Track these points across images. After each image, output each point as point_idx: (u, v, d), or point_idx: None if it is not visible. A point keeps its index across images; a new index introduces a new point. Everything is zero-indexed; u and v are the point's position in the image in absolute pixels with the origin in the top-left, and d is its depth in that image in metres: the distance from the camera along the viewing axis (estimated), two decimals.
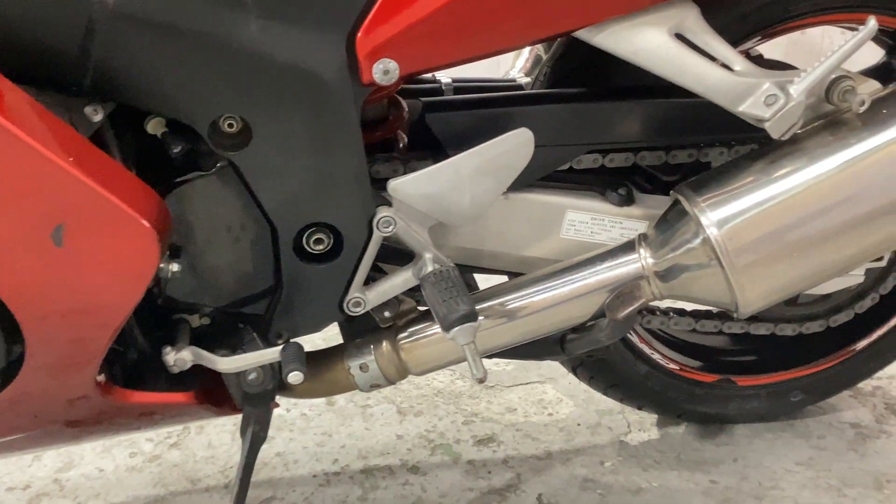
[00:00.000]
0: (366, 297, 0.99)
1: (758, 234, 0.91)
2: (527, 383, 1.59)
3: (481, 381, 0.90)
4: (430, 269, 0.96)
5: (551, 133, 1.00)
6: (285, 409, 1.50)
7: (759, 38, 1.09)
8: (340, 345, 1.07)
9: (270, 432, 1.43)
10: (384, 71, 0.87)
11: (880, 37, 1.22)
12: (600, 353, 1.25)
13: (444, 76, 1.25)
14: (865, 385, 1.54)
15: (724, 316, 1.23)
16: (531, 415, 1.49)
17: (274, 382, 0.98)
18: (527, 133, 0.94)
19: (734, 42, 1.06)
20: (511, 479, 1.31)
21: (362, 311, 1.00)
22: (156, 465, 1.37)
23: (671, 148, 1.06)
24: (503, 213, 1.04)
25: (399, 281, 0.99)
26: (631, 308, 0.93)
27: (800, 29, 1.10)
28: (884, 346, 1.36)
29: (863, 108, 0.90)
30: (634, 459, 1.35)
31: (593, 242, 1.06)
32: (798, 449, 1.36)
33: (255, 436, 1.00)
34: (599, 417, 1.47)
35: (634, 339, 1.28)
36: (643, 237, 0.99)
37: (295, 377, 0.92)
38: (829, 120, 0.94)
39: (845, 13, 1.08)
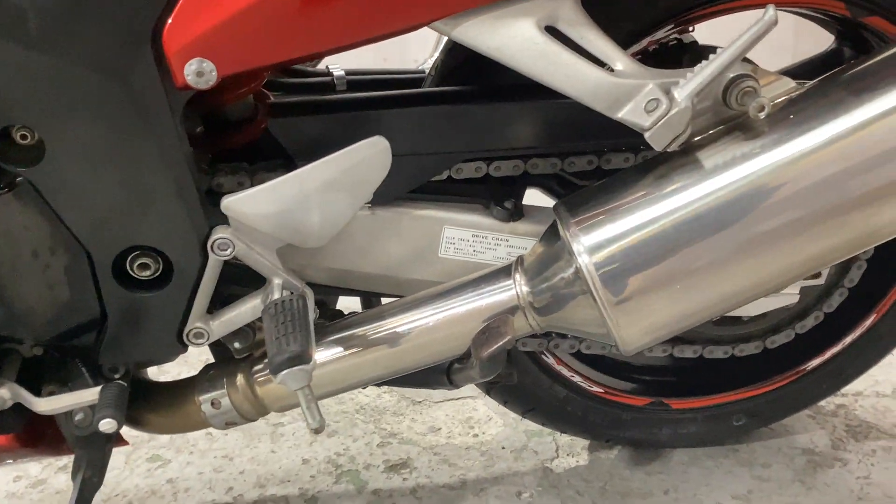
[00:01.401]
0: (209, 328, 0.87)
1: (635, 263, 0.77)
2: (458, 398, 1.47)
3: (317, 431, 0.78)
4: (275, 296, 0.83)
5: (420, 139, 0.87)
6: None
7: (671, 26, 0.95)
8: (195, 376, 0.95)
9: (169, 454, 1.34)
10: (198, 72, 0.74)
11: (830, 22, 1.08)
12: (508, 377, 1.13)
13: (338, 68, 1.12)
14: (827, 403, 1.41)
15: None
16: (455, 436, 1.37)
17: None
18: (382, 142, 0.81)
19: (641, 33, 0.93)
20: None
21: (207, 343, 0.88)
22: (38, 490, 1.26)
23: (567, 154, 0.92)
24: (371, 231, 0.91)
25: (246, 309, 0.87)
26: (495, 346, 0.80)
27: (720, 15, 0.96)
28: (839, 366, 1.23)
29: (762, 114, 0.75)
30: (555, 490, 1.22)
31: (476, 262, 0.93)
32: (738, 479, 1.23)
33: (84, 482, 0.88)
34: (527, 439, 1.34)
35: (551, 360, 1.16)
36: (520, 261, 0.86)
37: (107, 425, 0.80)
38: (729, 127, 0.79)
39: None
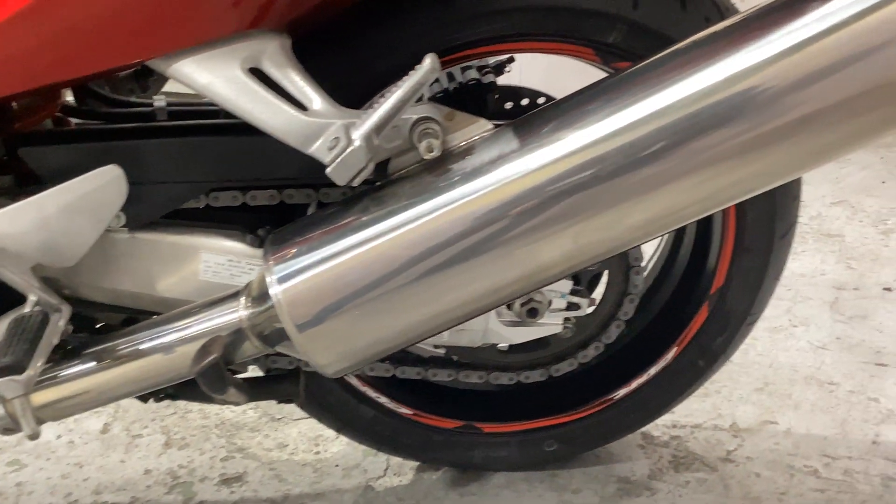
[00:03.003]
0: None
1: (320, 293, 0.83)
2: None
3: (32, 438, 0.85)
4: (25, 311, 0.91)
5: (167, 169, 0.94)
6: (55, 436, 1.47)
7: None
8: None
9: (29, 459, 1.42)
10: None
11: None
12: (316, 394, 1.19)
13: (161, 98, 1.20)
14: (662, 433, 1.44)
15: (425, 361, 1.15)
16: (298, 452, 1.43)
17: None
18: (115, 170, 0.89)
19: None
20: None
21: None
22: None
23: (320, 186, 0.99)
24: (133, 254, 0.98)
25: (4, 325, 0.95)
26: (201, 364, 0.87)
27: (471, 59, 1.02)
28: (646, 397, 1.26)
29: (430, 155, 0.82)
30: None
31: (236, 285, 1.00)
32: (544, 502, 1.27)
33: None
34: (362, 458, 1.40)
35: (355, 381, 1.21)
36: (249, 287, 0.93)
37: None
38: (422, 165, 0.85)
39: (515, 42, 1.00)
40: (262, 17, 0.84)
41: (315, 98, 0.84)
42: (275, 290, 0.84)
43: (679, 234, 1.28)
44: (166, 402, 1.54)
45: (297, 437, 1.48)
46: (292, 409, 1.56)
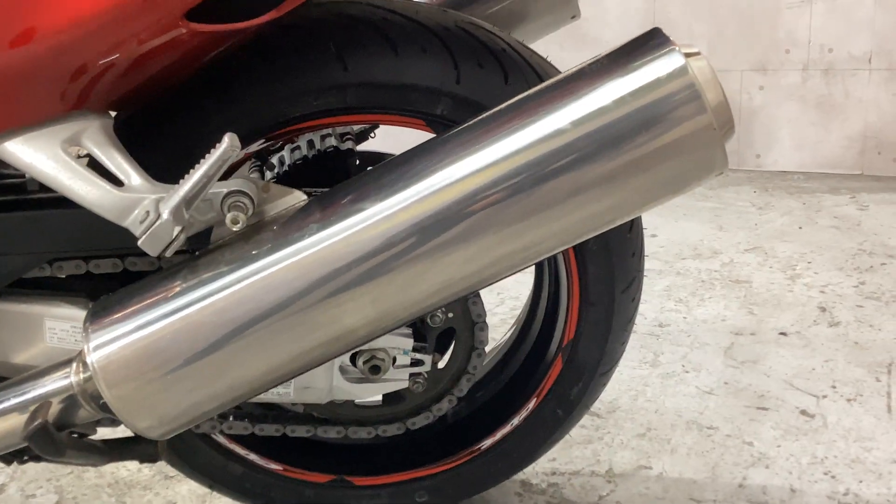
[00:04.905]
0: None
1: (129, 360, 0.87)
2: None
3: None
4: None
5: (3, 241, 0.99)
6: None
7: (262, 141, 1.07)
8: None
9: None
10: None
11: None
12: (183, 454, 1.23)
13: None
14: (541, 481, 1.48)
15: (289, 418, 1.19)
16: None
17: None
18: None
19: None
20: None
21: None
22: None
23: (126, 255, 1.03)
24: None
25: None
26: (28, 429, 0.91)
27: (308, 131, 1.08)
28: (511, 446, 1.30)
29: (237, 227, 0.87)
30: None
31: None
32: None
33: None
34: None
35: (222, 439, 1.25)
36: (80, 352, 0.97)
37: None
38: (236, 236, 0.91)
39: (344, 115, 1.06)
40: (83, 100, 0.90)
41: (131, 174, 0.90)
42: (90, 358, 0.88)
43: (537, 292, 1.33)
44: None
45: (186, 494, 1.51)
46: None
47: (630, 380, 1.83)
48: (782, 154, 3.74)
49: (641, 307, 2.23)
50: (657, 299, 2.31)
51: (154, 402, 0.88)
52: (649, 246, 2.73)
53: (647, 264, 2.51)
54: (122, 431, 0.99)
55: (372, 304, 0.87)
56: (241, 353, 0.88)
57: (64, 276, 1.04)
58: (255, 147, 1.08)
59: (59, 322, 1.03)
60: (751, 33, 3.68)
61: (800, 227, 2.94)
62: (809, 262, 2.57)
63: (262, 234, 0.89)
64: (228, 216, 0.87)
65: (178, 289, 0.88)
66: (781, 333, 2.06)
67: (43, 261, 1.01)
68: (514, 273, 0.92)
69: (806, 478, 1.45)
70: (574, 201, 0.85)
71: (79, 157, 0.92)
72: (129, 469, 1.60)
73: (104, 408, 0.95)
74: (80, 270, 1.04)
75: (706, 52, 3.90)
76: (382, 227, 0.85)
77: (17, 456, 1.11)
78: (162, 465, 1.60)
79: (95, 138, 0.90)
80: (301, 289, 0.86)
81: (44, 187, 1.15)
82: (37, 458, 1.13)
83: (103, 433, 1.06)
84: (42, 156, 0.89)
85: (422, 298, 0.88)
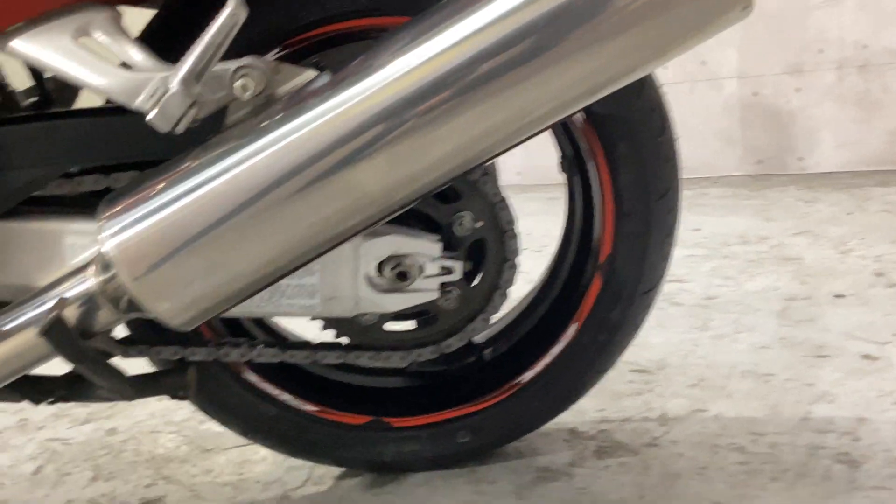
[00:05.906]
0: None
1: (151, 242, 0.85)
2: (246, 445, 1.52)
3: None
4: None
5: (9, 155, 0.98)
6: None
7: (279, 49, 1.06)
8: None
9: None
10: None
11: None
12: (215, 394, 1.20)
13: None
14: (590, 428, 1.41)
15: (317, 346, 1.15)
16: (222, 475, 1.42)
17: None
18: None
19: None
20: None
21: None
22: None
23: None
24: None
25: None
26: (44, 322, 0.88)
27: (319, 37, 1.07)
28: (552, 379, 1.24)
29: (246, 95, 0.86)
30: None
31: None
32: (458, 493, 1.24)
33: None
34: (283, 473, 1.38)
35: (254, 378, 1.22)
36: (97, 255, 0.95)
37: None
38: (248, 114, 0.89)
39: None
40: None
41: (140, 56, 0.89)
42: (108, 247, 0.86)
43: (571, 209, 1.29)
44: (101, 444, 1.56)
45: (223, 463, 1.47)
46: (223, 440, 1.56)
47: (679, 342, 1.76)
48: (825, 155, 3.66)
49: (686, 284, 2.17)
50: (704, 278, 2.24)
51: (175, 285, 0.86)
52: (691, 238, 2.66)
53: (692, 251, 2.44)
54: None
55: (388, 166, 0.84)
56: (258, 224, 0.85)
57: (85, 192, 1.02)
58: (272, 56, 1.07)
59: (81, 238, 1.01)
60: (781, 36, 3.64)
61: (848, 213, 2.85)
62: (862, 239, 2.48)
63: (275, 108, 0.87)
64: (238, 83, 0.86)
65: (191, 166, 0.87)
66: (837, 296, 1.97)
67: (58, 173, 1.00)
68: (535, 133, 0.89)
69: (874, 408, 1.36)
70: (591, 45, 0.82)
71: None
72: (165, 447, 1.56)
73: (125, 306, 0.92)
74: (100, 186, 1.02)
75: (736, 57, 3.85)
76: (395, 87, 0.83)
77: (45, 395, 1.09)
78: (199, 439, 1.56)
79: (104, 27, 0.90)
80: (316, 153, 0.84)
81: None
82: (65, 398, 1.11)
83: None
84: (51, 46, 0.89)
85: (438, 160, 0.85)
